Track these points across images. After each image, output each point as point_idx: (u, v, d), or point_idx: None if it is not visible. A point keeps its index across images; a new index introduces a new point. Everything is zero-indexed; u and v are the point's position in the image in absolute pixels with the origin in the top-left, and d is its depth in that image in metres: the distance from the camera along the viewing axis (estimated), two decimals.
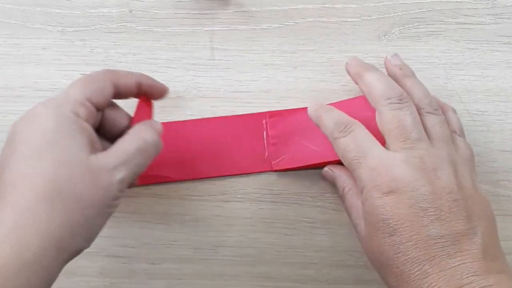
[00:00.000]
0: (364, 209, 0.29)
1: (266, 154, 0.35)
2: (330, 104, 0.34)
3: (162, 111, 0.35)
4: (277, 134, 0.35)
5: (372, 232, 0.28)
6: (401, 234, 0.27)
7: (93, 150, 0.26)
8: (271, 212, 0.35)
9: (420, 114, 0.31)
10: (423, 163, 0.28)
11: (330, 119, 0.32)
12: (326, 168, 0.34)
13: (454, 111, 0.33)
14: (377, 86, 0.31)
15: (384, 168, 0.28)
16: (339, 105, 0.34)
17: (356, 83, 0.33)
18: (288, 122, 0.35)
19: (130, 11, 0.37)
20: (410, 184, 0.28)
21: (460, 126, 0.33)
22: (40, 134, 0.26)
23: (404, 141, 0.29)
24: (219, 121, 0.36)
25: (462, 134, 0.32)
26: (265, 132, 0.35)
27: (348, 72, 0.34)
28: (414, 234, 0.27)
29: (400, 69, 0.33)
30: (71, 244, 0.25)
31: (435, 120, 0.31)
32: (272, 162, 0.35)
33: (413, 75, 0.33)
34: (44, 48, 0.37)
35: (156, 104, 0.37)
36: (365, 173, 0.29)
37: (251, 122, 0.36)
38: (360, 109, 0.33)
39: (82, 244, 0.26)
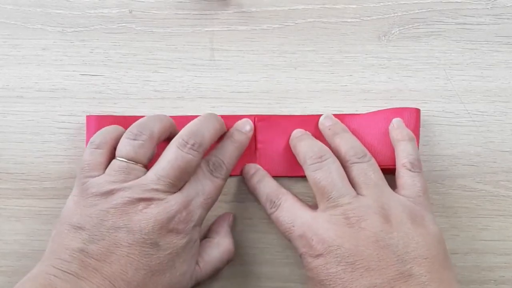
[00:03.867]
0: (306, 273, 0.30)
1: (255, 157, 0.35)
2: (337, 116, 0.35)
3: (162, 112, 0.35)
4: (264, 139, 0.35)
5: None
6: None
7: None
8: None
9: (346, 167, 0.32)
10: (346, 219, 0.29)
11: (263, 192, 0.33)
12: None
13: (411, 141, 0.33)
14: (301, 151, 0.33)
15: (310, 232, 0.29)
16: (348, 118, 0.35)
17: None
18: (276, 129, 0.35)
19: (130, 12, 0.37)
20: (334, 242, 0.28)
21: (413, 158, 0.32)
22: (177, 249, 0.29)
23: (327, 200, 0.30)
24: None
25: (415, 166, 0.32)
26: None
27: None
28: None
29: (329, 129, 0.34)
30: None
31: (360, 169, 0.31)
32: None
33: (342, 131, 0.34)
34: (44, 49, 0.37)
35: (156, 104, 0.37)
36: (297, 241, 0.30)
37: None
38: (373, 124, 0.35)
39: None
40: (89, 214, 0.27)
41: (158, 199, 0.28)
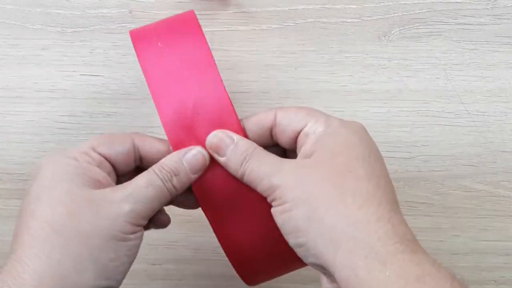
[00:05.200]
0: None
1: None
2: None
3: None
4: None
5: None
6: None
7: (97, 187, 0.28)
8: None
9: None
10: None
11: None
12: None
13: None
14: None
15: None
16: None
17: None
18: None
19: (130, 12, 0.38)
20: None
21: None
22: (39, 182, 0.28)
23: None
24: None
25: None
26: None
27: None
28: None
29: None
30: (80, 280, 0.26)
31: None
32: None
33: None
34: (44, 49, 0.38)
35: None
36: None
37: None
38: None
39: (97, 282, 0.27)
40: None
41: None
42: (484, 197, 0.37)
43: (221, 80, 0.30)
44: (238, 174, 0.29)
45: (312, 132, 0.29)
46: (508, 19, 0.38)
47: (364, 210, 0.27)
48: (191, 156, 0.29)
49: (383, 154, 0.28)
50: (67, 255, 0.26)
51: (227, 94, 0.30)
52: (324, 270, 0.28)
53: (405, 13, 0.38)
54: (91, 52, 0.38)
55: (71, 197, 0.27)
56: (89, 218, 0.27)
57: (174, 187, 0.29)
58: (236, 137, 0.30)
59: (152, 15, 0.38)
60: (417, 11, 0.38)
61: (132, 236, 0.28)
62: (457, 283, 0.25)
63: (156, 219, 0.31)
